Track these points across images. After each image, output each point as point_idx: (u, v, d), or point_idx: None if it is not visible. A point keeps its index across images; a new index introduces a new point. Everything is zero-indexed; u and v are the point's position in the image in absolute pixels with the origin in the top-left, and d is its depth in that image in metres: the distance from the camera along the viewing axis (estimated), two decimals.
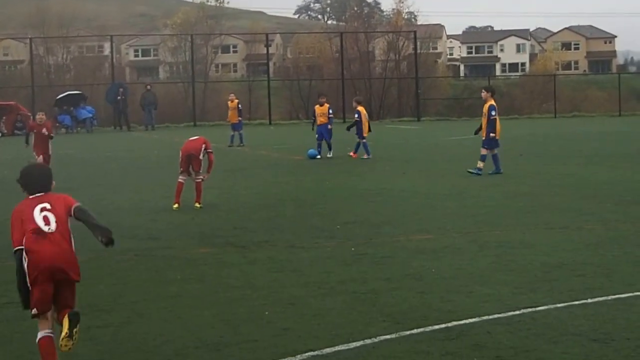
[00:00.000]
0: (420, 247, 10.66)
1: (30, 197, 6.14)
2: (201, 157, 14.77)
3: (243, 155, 26.62)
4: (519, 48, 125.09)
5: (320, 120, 25.28)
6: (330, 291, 8.40)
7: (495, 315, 7.30)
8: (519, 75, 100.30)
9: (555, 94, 58.55)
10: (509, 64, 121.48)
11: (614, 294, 7.95)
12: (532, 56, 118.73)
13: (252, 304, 7.98)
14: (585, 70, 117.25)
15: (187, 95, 60.08)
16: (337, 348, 6.53)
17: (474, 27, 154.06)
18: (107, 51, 77.39)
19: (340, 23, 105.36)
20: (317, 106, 25.99)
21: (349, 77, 61.22)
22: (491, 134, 19.18)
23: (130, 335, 7.07)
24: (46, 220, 5.97)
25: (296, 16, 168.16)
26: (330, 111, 25.51)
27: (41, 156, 18.81)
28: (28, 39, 59.86)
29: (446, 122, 50.95)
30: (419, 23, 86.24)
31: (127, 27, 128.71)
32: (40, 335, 5.97)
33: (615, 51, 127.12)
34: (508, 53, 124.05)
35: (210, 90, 69.87)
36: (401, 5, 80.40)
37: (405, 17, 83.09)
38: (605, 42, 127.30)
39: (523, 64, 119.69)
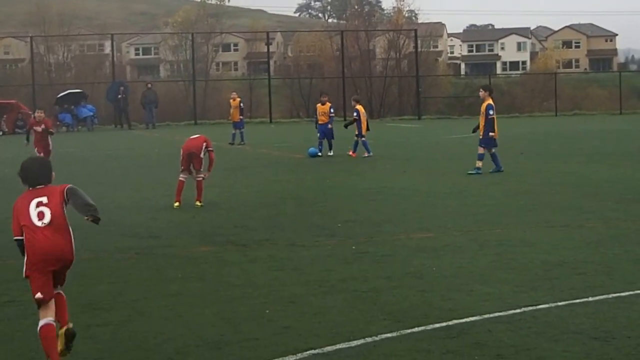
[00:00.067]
0: (421, 245, 10.65)
1: (31, 189, 6.27)
2: (202, 155, 14.77)
3: (244, 154, 26.62)
4: (519, 46, 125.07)
5: (322, 119, 25.33)
6: (331, 289, 8.40)
7: (496, 314, 7.30)
8: (520, 74, 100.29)
9: (556, 92, 58.54)
10: (510, 63, 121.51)
11: (615, 292, 7.94)
12: (533, 54, 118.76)
13: (253, 302, 7.97)
14: (586, 69, 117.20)
15: (188, 93, 60.08)
16: (338, 346, 6.52)
17: (474, 25, 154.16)
18: (107, 49, 77.48)
19: (341, 21, 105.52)
20: (318, 105, 26.06)
21: (349, 75, 61.21)
22: (490, 133, 19.13)
23: (131, 334, 7.06)
24: (40, 215, 6.12)
25: (297, 14, 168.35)
26: (332, 110, 25.58)
27: (42, 153, 18.88)
28: (29, 38, 59.89)
29: (447, 121, 50.98)
30: (419, 21, 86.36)
31: (127, 25, 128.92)
32: (41, 323, 6.08)
33: (616, 49, 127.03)
34: (509, 51, 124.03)
35: (211, 89, 69.98)
36: (402, 3, 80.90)
37: (406, 15, 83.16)
38: (606, 40, 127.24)
39: (524, 63, 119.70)
